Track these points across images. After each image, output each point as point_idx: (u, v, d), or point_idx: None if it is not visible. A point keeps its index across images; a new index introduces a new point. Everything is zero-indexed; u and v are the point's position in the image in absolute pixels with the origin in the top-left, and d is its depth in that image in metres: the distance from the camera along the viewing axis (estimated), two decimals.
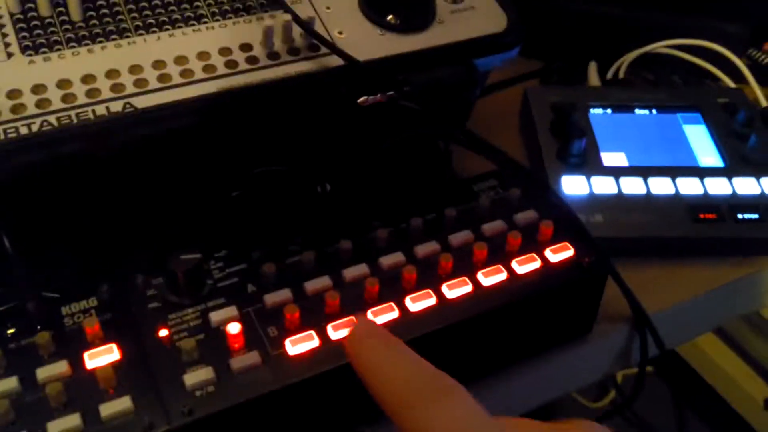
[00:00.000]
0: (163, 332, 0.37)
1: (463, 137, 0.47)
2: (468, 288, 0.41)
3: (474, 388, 0.32)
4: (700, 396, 1.18)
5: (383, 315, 0.39)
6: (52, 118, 0.39)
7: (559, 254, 0.43)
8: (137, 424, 0.33)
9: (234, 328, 0.37)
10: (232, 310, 0.38)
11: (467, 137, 0.47)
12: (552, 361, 0.45)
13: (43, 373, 0.35)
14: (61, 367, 0.35)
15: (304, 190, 0.42)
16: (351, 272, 0.41)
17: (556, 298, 0.43)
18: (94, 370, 0.35)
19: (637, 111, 0.60)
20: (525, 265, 0.42)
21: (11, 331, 0.37)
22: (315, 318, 0.38)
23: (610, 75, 0.66)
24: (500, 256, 0.42)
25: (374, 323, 0.36)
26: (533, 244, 0.43)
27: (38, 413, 0.34)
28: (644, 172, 0.54)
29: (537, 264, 0.42)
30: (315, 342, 0.37)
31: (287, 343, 0.37)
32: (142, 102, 0.41)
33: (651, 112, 0.60)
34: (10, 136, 0.38)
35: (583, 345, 0.46)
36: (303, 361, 0.36)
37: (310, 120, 0.44)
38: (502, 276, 0.41)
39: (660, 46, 0.66)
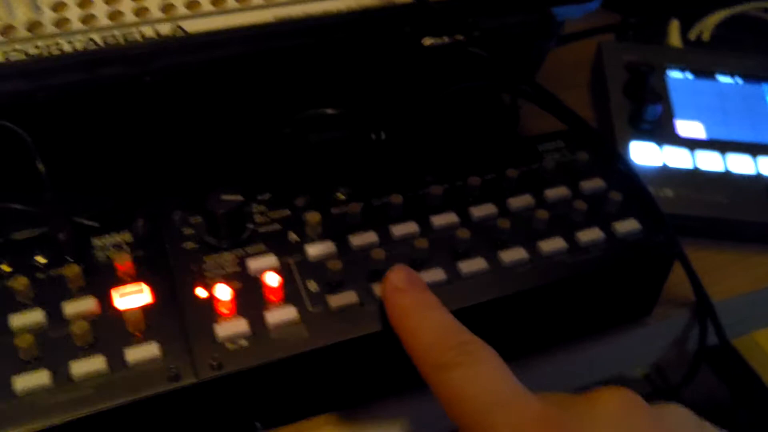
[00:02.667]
0: (197, 276, 0.35)
1: (531, 91, 0.43)
2: (525, 256, 0.38)
3: (521, 364, 0.31)
4: (752, 392, 1.13)
5: (430, 278, 0.36)
6: (97, 36, 0.37)
7: (626, 230, 0.39)
8: (163, 373, 0.32)
9: (272, 278, 0.35)
10: (271, 259, 0.36)
11: (536, 92, 0.43)
12: (605, 342, 0.42)
13: (70, 308, 0.34)
14: (89, 303, 0.34)
15: (357, 136, 0.39)
16: (399, 229, 0.38)
17: (618, 276, 0.39)
18: (122, 311, 0.33)
19: (720, 78, 0.55)
20: (588, 238, 0.39)
21: (41, 260, 0.36)
22: (358, 275, 0.36)
23: (693, 36, 0.61)
24: (562, 225, 0.39)
25: (410, 271, 0.34)
26: (598, 215, 0.40)
27: (62, 351, 0.32)
28: (723, 146, 0.50)
29: (601, 237, 0.39)
30: (357, 301, 0.35)
31: (327, 299, 0.35)
32: (193, 26, 0.38)
33: (735, 81, 0.55)
34: (52, 52, 0.36)
35: (640, 327, 0.43)
36: (342, 322, 0.34)
37: (369, 60, 0.40)
38: (563, 247, 0.38)
39: (751, 7, 0.61)
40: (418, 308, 0.32)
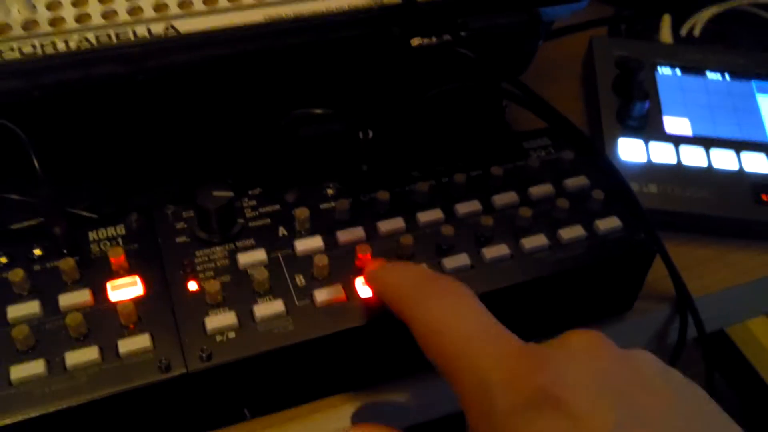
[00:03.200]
0: (189, 269, 0.36)
1: (516, 91, 0.44)
2: (506, 253, 0.39)
3: None
4: (744, 379, 1.14)
5: None
6: (90, 35, 0.37)
7: (608, 227, 0.40)
8: (154, 363, 0.33)
9: (261, 273, 0.36)
10: (260, 253, 0.37)
11: (520, 91, 0.44)
12: None
13: (65, 300, 0.35)
14: (84, 296, 0.35)
15: (345, 134, 0.40)
16: (386, 225, 0.39)
17: (599, 273, 0.40)
18: (115, 303, 0.35)
19: (709, 75, 0.56)
20: (570, 236, 0.40)
21: (38, 252, 0.37)
22: (344, 270, 0.37)
23: (684, 32, 0.62)
24: (545, 222, 0.40)
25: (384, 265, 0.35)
26: (581, 213, 0.41)
27: (57, 342, 0.33)
28: (708, 142, 0.51)
29: (583, 235, 0.40)
30: (341, 296, 0.36)
31: (314, 293, 0.36)
32: (185, 26, 0.39)
33: (723, 77, 0.56)
34: (46, 51, 0.37)
35: (620, 322, 0.44)
36: (328, 315, 0.35)
37: (358, 59, 0.41)
38: (545, 244, 0.39)
39: (743, 3, 0.61)
40: (392, 266, 0.35)
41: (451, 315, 0.29)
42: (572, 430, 0.25)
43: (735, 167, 0.49)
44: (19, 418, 0.31)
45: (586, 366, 0.27)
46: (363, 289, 0.36)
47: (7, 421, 0.31)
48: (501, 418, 0.26)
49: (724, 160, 0.50)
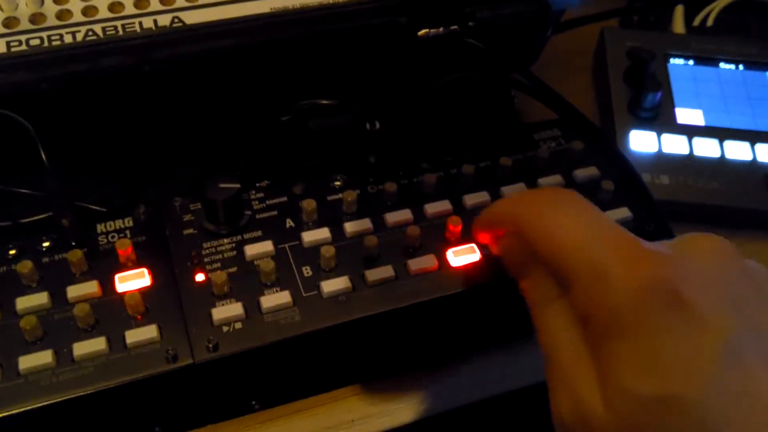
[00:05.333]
0: (196, 261, 0.36)
1: (525, 81, 0.44)
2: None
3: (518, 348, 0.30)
4: None
5: (422, 265, 0.37)
6: (97, 28, 0.38)
7: (617, 218, 0.40)
8: (161, 354, 0.33)
9: (268, 264, 0.36)
10: (267, 245, 0.37)
11: (530, 82, 0.44)
12: None
13: (73, 291, 0.35)
14: (92, 287, 0.35)
15: (352, 125, 0.40)
16: (393, 217, 0.39)
17: None
18: (123, 294, 0.35)
19: (722, 65, 0.55)
20: None
21: (46, 244, 0.37)
22: (352, 261, 0.37)
23: (697, 22, 0.61)
24: None
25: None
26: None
27: (65, 332, 0.33)
28: (721, 133, 0.50)
29: None
30: (349, 287, 0.36)
31: (321, 285, 0.36)
32: (191, 17, 0.39)
33: (737, 68, 0.55)
34: (54, 43, 0.37)
35: None
36: (335, 306, 0.35)
37: (365, 50, 0.41)
38: None
39: None
40: (495, 202, 0.34)
41: (568, 216, 0.28)
42: (690, 328, 0.24)
43: (748, 158, 0.49)
44: (28, 407, 0.31)
45: (708, 268, 0.26)
46: (371, 277, 0.36)
47: (16, 410, 0.31)
48: (618, 302, 0.25)
49: (737, 150, 0.49)
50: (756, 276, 0.27)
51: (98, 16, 0.38)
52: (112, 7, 0.38)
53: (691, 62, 0.55)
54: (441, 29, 0.40)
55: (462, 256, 0.37)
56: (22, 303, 0.34)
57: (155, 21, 0.38)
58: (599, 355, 0.25)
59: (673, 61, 0.55)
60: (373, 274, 0.36)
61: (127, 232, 0.38)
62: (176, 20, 0.38)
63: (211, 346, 0.33)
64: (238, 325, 0.34)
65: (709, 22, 0.61)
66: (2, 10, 0.38)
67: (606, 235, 0.27)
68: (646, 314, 0.24)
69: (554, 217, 0.29)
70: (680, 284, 0.25)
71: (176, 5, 0.39)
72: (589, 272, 0.26)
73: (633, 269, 0.25)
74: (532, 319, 0.29)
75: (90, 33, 0.37)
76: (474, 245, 0.38)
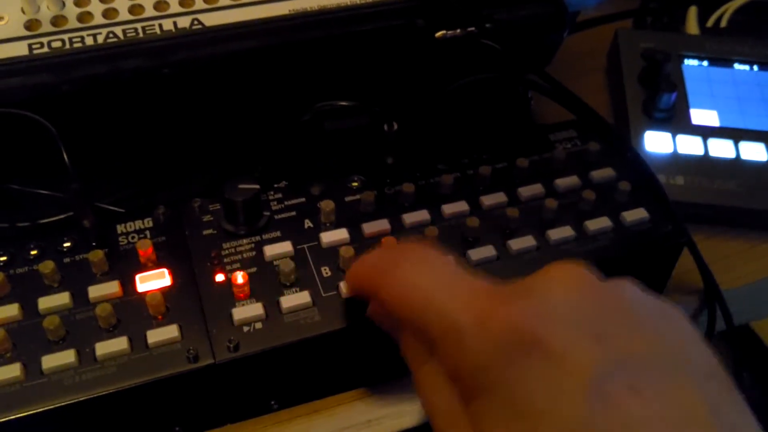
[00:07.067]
0: (216, 261, 0.37)
1: (542, 82, 0.44)
2: (532, 245, 0.38)
3: None
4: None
5: None
6: (118, 30, 0.38)
7: (634, 219, 0.40)
8: (182, 354, 0.33)
9: (287, 264, 0.36)
10: (286, 245, 0.37)
11: (547, 83, 0.44)
12: None
13: (94, 291, 0.35)
14: (113, 287, 0.35)
15: (370, 126, 0.40)
16: (411, 217, 0.39)
17: (625, 264, 0.40)
18: (144, 294, 0.35)
19: (737, 66, 0.55)
20: (596, 227, 0.39)
21: (67, 244, 0.37)
22: None
23: (710, 23, 0.61)
24: (571, 213, 0.40)
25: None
26: (607, 205, 0.41)
27: (87, 332, 0.34)
28: (736, 134, 0.50)
29: (609, 226, 0.40)
30: None
31: (340, 285, 0.36)
32: (210, 19, 0.39)
33: (752, 68, 0.55)
34: (75, 45, 0.37)
35: None
36: (353, 307, 0.35)
37: (382, 52, 0.41)
38: (571, 236, 0.39)
39: None
40: (357, 260, 0.33)
41: (416, 274, 0.28)
42: (550, 370, 0.23)
43: (763, 158, 0.49)
44: (51, 406, 0.31)
45: (564, 300, 0.25)
46: None
47: (40, 408, 0.31)
48: (475, 361, 0.24)
49: (752, 151, 0.49)
50: (620, 299, 0.26)
51: (118, 19, 0.38)
52: (132, 10, 0.38)
53: (705, 63, 0.55)
54: (458, 31, 0.41)
55: (481, 257, 0.37)
56: (45, 303, 0.35)
57: (175, 23, 0.38)
58: (472, 413, 0.25)
59: (688, 62, 0.55)
60: None
61: (147, 232, 0.38)
62: (196, 22, 0.38)
63: (232, 346, 0.33)
64: (259, 325, 0.34)
65: (723, 23, 0.61)
66: (24, 13, 0.38)
67: (456, 289, 0.27)
68: (504, 365, 0.24)
69: (404, 279, 0.28)
70: (535, 326, 0.24)
71: (196, 7, 0.39)
72: (445, 333, 0.26)
73: (486, 321, 0.25)
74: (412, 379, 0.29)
75: (110, 35, 0.37)
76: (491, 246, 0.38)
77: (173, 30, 0.38)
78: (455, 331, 0.25)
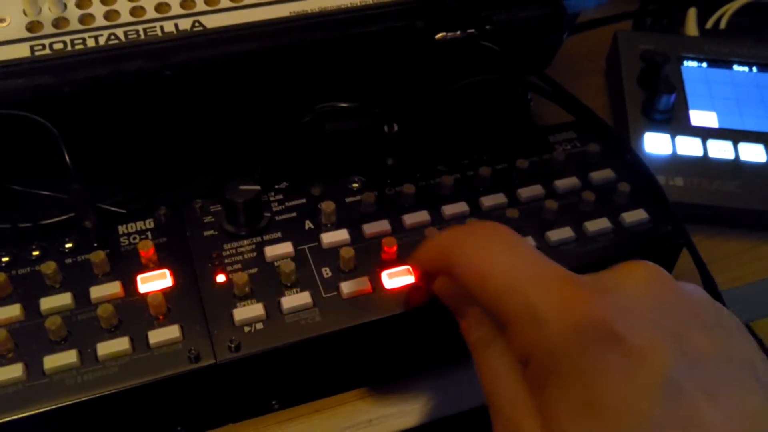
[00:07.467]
0: (217, 262, 0.37)
1: (541, 84, 0.44)
2: (532, 245, 0.39)
3: None
4: None
5: None
6: (119, 32, 0.38)
7: (634, 220, 0.40)
8: (184, 354, 0.33)
9: (288, 265, 0.36)
10: (287, 246, 0.38)
11: (546, 84, 0.44)
12: None
13: (96, 291, 0.35)
14: (114, 288, 0.35)
15: (370, 128, 0.40)
16: (411, 218, 0.39)
17: None
18: (145, 295, 0.35)
19: (736, 68, 0.55)
20: (596, 228, 0.40)
21: (69, 245, 0.37)
22: (370, 262, 0.37)
23: (710, 24, 0.61)
24: (570, 215, 0.40)
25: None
26: (607, 206, 0.41)
27: (89, 332, 0.34)
28: (735, 135, 0.50)
29: (609, 227, 0.40)
30: (367, 288, 0.36)
31: (340, 285, 0.36)
32: (211, 21, 0.39)
33: (750, 70, 0.55)
34: (76, 47, 0.37)
35: None
36: (354, 307, 0.36)
37: (383, 54, 0.41)
38: (570, 237, 0.39)
39: None
40: (425, 240, 0.33)
41: (497, 252, 0.28)
42: (626, 364, 0.23)
43: (762, 159, 0.49)
44: (53, 406, 0.31)
45: (642, 298, 0.25)
46: (388, 281, 0.36)
47: (42, 409, 0.31)
48: (553, 345, 0.24)
49: (751, 152, 0.49)
50: (693, 301, 0.26)
51: (120, 21, 0.38)
52: (133, 12, 0.39)
53: (704, 64, 0.55)
54: (458, 33, 0.41)
55: None
56: (47, 303, 0.35)
57: (176, 25, 0.38)
58: (540, 398, 0.25)
59: (687, 63, 0.55)
60: (392, 276, 0.36)
61: (148, 233, 0.38)
62: (197, 24, 0.39)
63: (233, 346, 0.34)
64: (260, 326, 0.35)
65: (722, 25, 0.61)
66: (26, 15, 0.38)
67: (539, 274, 0.27)
68: (582, 355, 0.24)
69: (485, 257, 0.28)
70: (614, 320, 0.24)
71: (197, 9, 0.39)
72: (523, 315, 0.26)
73: (566, 310, 0.25)
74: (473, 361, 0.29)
75: (112, 37, 0.38)
76: None
77: (174, 32, 0.38)
78: (536, 315, 0.25)
